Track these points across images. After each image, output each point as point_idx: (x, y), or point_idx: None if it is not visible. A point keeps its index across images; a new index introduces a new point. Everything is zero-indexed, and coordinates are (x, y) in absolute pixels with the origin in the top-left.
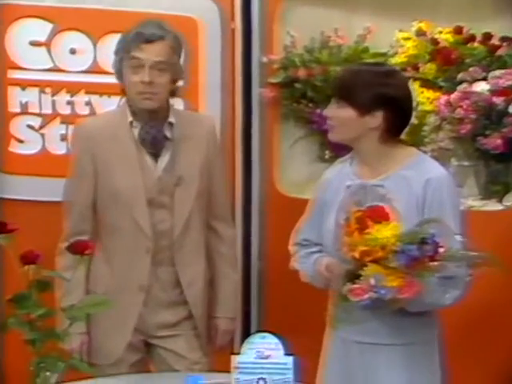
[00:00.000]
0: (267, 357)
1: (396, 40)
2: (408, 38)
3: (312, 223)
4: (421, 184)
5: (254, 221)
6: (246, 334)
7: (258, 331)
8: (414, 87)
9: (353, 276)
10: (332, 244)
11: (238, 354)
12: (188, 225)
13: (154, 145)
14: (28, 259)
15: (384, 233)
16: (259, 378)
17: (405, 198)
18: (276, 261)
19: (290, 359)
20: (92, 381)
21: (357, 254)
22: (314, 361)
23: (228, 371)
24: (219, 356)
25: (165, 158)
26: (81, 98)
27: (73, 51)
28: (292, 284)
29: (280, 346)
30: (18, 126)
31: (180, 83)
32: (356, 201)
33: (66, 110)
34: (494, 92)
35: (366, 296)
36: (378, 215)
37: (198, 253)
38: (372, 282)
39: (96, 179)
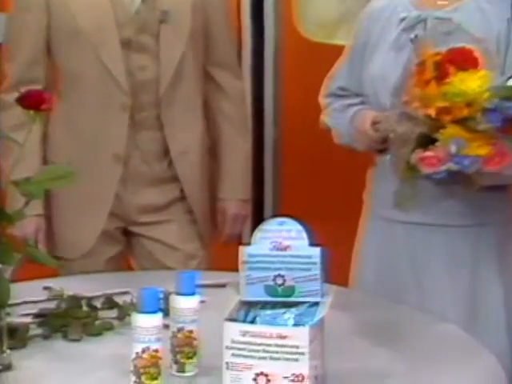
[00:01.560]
0: (286, 248)
1: None
2: None
3: (351, 67)
4: (503, 20)
5: (267, 75)
6: (258, 221)
7: (274, 216)
8: None
9: (425, 141)
10: (376, 94)
11: (248, 244)
12: (179, 74)
13: None
14: None
15: (471, 84)
16: (276, 275)
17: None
18: (295, 127)
19: (315, 251)
20: (57, 279)
21: (432, 112)
22: (344, 253)
23: (234, 269)
24: (222, 250)
25: None
26: None
27: None
28: (316, 155)
29: (303, 234)
30: None
31: None
32: (421, 40)
33: None
34: None
35: (443, 167)
36: (464, 60)
37: (193, 112)
38: (452, 149)
39: (49, 13)
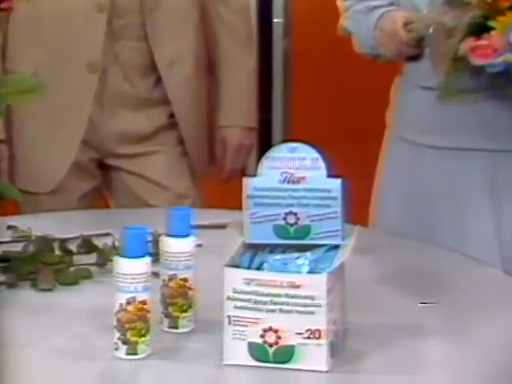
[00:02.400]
0: (299, 180)
1: None
2: None
3: None
4: None
5: None
6: (265, 148)
7: (284, 141)
8: None
9: (477, 29)
10: None
11: (254, 176)
12: None
13: None
14: None
15: None
16: (287, 213)
17: None
18: (309, 36)
19: (335, 183)
20: (23, 217)
21: None
22: (364, 185)
23: (237, 208)
24: (220, 189)
25: None
26: None
27: None
28: (332, 70)
29: (319, 163)
30: None
31: None
32: None
33: None
34: None
35: (500, 59)
36: None
37: (184, 19)
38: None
39: None
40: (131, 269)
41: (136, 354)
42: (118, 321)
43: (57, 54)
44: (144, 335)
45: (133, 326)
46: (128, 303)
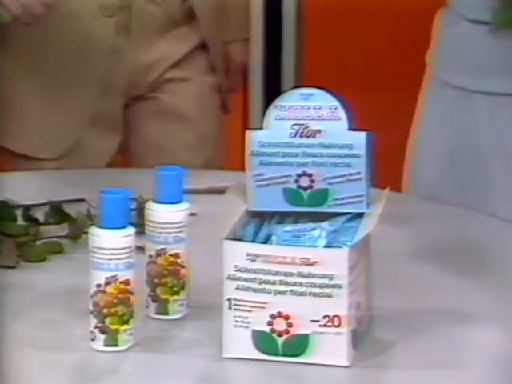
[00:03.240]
0: (315, 133)
1: None
2: None
3: None
4: None
5: None
6: (273, 95)
7: (297, 87)
8: None
9: None
10: None
11: (259, 129)
12: None
13: None
14: None
15: None
16: (300, 174)
17: None
18: None
19: (359, 138)
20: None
21: None
22: (395, 141)
23: (239, 169)
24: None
25: None
26: None
27: None
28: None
29: (339, 113)
30: None
31: None
32: None
33: None
34: None
35: None
36: None
37: None
38: None
39: None
40: (111, 242)
41: (116, 345)
42: (95, 305)
43: None
44: (126, 322)
45: (113, 312)
46: (107, 283)
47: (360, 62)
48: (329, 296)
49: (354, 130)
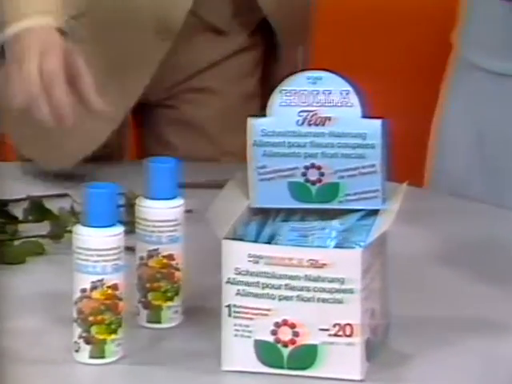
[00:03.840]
0: (324, 121)
1: None
2: None
3: None
4: None
5: None
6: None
7: (303, 70)
8: None
9: None
10: None
11: (262, 116)
12: None
13: None
14: None
15: None
16: (308, 167)
17: None
18: None
19: (374, 126)
20: None
21: None
22: (414, 130)
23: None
24: None
25: None
26: None
27: None
28: None
29: (352, 99)
30: None
31: None
32: None
33: None
34: None
35: None
36: None
37: None
38: None
39: None
40: (97, 242)
41: (103, 357)
42: (80, 312)
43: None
44: (114, 332)
45: (99, 320)
46: (93, 288)
47: (375, 41)
48: (340, 302)
49: (368, 117)
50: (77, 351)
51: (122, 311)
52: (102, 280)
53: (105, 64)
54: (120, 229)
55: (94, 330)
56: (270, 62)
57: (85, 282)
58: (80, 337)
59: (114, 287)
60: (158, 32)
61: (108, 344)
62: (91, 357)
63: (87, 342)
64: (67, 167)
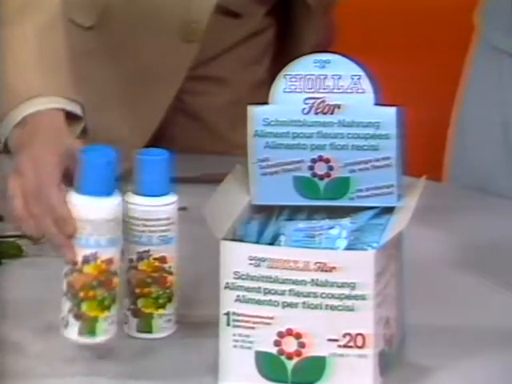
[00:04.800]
0: (333, 109)
1: None
2: None
3: None
4: None
5: None
6: (282, 61)
7: (312, 52)
8: None
9: None
10: None
11: (264, 103)
12: None
13: None
14: None
15: None
16: (315, 159)
17: None
18: None
19: (388, 114)
20: None
21: None
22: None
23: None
24: None
25: None
26: None
27: None
28: None
29: (363, 84)
30: None
31: None
32: None
33: None
34: None
35: None
36: None
37: None
38: None
39: None
40: (91, 212)
41: (94, 334)
42: (70, 286)
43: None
44: (107, 307)
45: (91, 295)
46: (85, 262)
47: (393, 23)
48: (350, 310)
49: (382, 104)
50: (65, 326)
51: (117, 287)
52: (95, 253)
53: (130, 77)
54: (117, 199)
55: (84, 306)
56: (284, 45)
57: (77, 254)
58: (70, 311)
59: (109, 261)
60: (183, 35)
61: (100, 321)
62: (80, 334)
63: (77, 317)
64: None
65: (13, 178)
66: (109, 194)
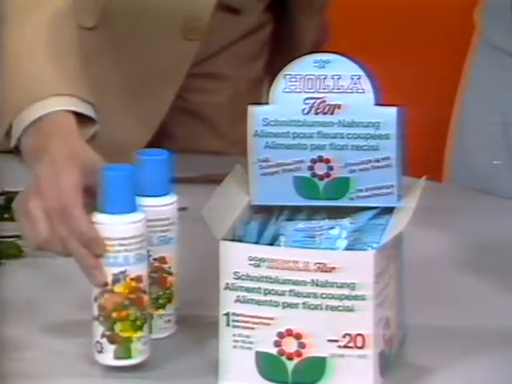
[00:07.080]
0: (333, 109)
1: None
2: None
3: None
4: None
5: None
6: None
7: (312, 52)
8: None
9: None
10: None
11: (264, 103)
12: None
13: None
14: None
15: None
16: (315, 160)
17: None
18: None
19: (388, 114)
20: None
21: None
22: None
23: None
24: None
25: None
26: None
27: None
28: None
29: (364, 84)
30: None
31: None
32: None
33: None
34: None
35: None
36: None
37: None
38: None
39: None
40: (118, 230)
41: (130, 356)
42: (102, 309)
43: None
44: (140, 328)
45: (124, 315)
46: (115, 281)
47: (393, 22)
48: (350, 310)
49: (382, 104)
50: (100, 352)
51: (147, 306)
52: (124, 272)
53: (131, 75)
54: (141, 215)
55: (118, 327)
56: (281, 41)
57: (108, 273)
58: (102, 336)
59: (138, 279)
60: (184, 33)
61: (134, 342)
62: (116, 357)
63: (111, 340)
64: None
65: (32, 198)
66: (133, 209)
